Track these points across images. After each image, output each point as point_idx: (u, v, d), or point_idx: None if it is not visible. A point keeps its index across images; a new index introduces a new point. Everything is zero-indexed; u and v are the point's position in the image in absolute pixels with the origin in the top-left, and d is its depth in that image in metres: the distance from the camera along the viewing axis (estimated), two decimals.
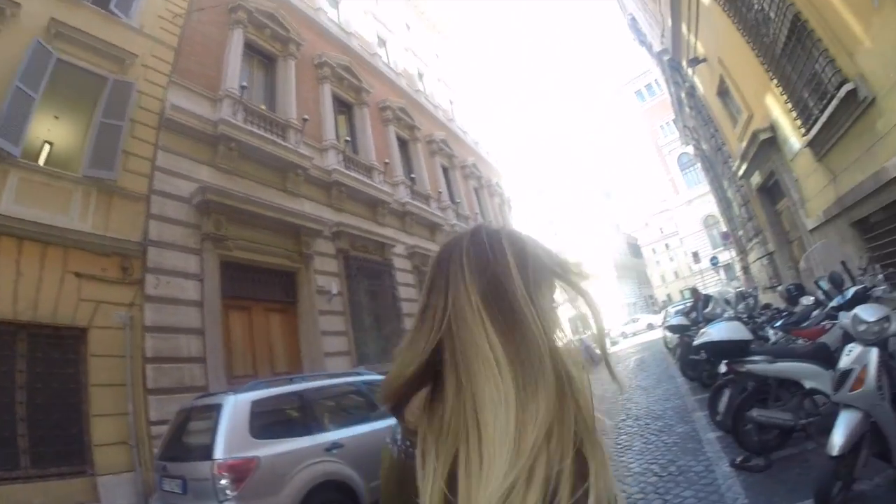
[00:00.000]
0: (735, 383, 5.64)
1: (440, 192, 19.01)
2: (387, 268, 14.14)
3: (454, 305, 0.78)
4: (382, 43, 19.94)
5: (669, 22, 14.22)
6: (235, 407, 4.98)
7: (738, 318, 6.99)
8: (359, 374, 7.19)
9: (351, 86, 15.62)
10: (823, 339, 5.13)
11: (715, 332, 5.95)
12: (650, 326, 34.31)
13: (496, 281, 0.78)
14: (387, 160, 15.72)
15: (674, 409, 7.88)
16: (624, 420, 8.08)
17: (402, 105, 18.45)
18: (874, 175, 7.32)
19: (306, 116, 12.30)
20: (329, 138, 13.52)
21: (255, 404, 5.14)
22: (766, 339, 6.59)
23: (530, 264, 0.82)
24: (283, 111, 12.28)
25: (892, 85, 6.36)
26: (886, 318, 3.87)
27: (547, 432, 0.69)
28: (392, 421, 0.92)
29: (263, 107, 11.79)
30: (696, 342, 6.29)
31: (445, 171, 21.21)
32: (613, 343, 33.80)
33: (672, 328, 11.84)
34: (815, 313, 6.31)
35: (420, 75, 23.01)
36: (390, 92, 18.29)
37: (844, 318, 4.19)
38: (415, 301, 14.75)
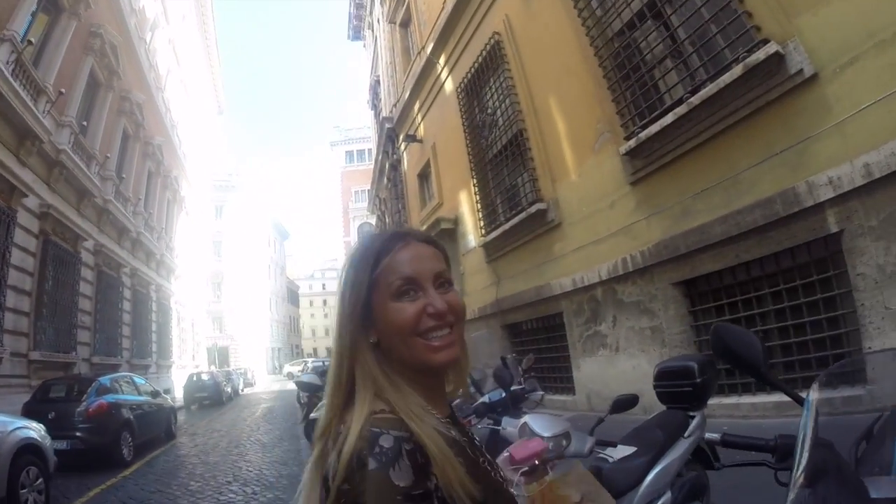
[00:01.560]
0: None
1: (108, 158, 14.66)
2: (8, 218, 9.46)
3: None
4: None
5: (406, 95, 14.19)
6: None
7: None
8: None
9: None
10: None
11: None
12: (290, 376, 32.14)
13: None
14: (63, 90, 11.45)
15: (290, 478, 6.39)
16: (229, 483, 6.25)
17: (118, 42, 14.38)
18: (537, 289, 7.65)
19: None
20: (15, 29, 9.33)
21: None
22: None
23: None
24: None
25: (581, 218, 6.71)
26: (565, 435, 2.99)
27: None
28: None
29: None
30: (315, 415, 4.69)
31: (126, 138, 16.78)
32: (248, 385, 30.82)
33: (302, 385, 10.46)
34: (456, 402, 5.66)
35: (154, 25, 18.34)
36: (112, 20, 14.38)
37: (509, 424, 3.26)
38: (29, 273, 10.43)
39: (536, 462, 0.96)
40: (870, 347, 3.40)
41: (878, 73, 3.48)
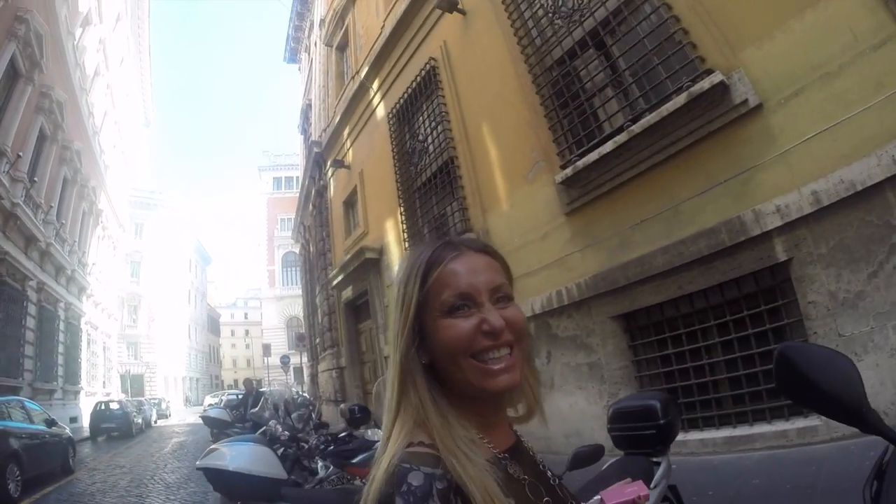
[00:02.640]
0: None
1: (20, 157, 13.05)
2: None
3: None
4: None
5: (337, 120, 13.53)
6: None
7: (277, 440, 4.86)
8: None
9: None
10: None
11: (232, 457, 3.59)
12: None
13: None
14: None
15: None
16: None
17: (44, 32, 13.00)
18: None
19: None
20: None
21: None
22: (314, 473, 4.73)
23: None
24: None
25: (512, 249, 6.24)
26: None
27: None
28: None
29: None
30: (200, 463, 3.74)
31: (43, 139, 15.12)
32: (162, 416, 27.56)
33: (208, 420, 9.15)
34: (378, 445, 4.78)
35: (86, 21, 16.59)
36: (41, 7, 13.10)
37: None
38: None
39: None
40: None
41: (822, 104, 3.34)
